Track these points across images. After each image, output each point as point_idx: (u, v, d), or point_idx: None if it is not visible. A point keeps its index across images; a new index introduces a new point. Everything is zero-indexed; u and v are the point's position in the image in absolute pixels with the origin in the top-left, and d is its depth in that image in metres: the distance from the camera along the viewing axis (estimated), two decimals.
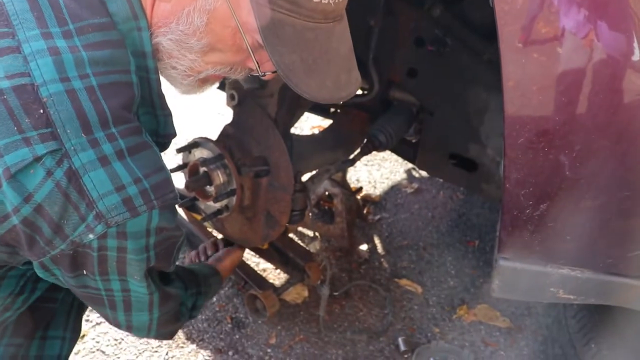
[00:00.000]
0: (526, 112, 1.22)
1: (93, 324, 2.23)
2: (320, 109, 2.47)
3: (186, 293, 1.45)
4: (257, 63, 1.09)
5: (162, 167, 1.03)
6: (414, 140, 2.31)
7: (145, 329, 1.30)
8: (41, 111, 0.90)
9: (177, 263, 1.46)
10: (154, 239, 1.05)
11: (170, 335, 1.46)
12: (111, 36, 0.99)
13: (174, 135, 1.19)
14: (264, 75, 1.14)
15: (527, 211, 1.28)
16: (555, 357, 1.94)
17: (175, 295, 1.33)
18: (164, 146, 1.18)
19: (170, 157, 3.10)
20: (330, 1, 1.01)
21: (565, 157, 1.23)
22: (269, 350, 2.19)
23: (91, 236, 0.96)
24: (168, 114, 1.15)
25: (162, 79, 1.13)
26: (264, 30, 0.99)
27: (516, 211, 1.29)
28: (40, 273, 1.09)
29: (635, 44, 1.10)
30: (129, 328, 1.28)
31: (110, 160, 0.94)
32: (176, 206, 1.09)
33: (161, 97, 1.12)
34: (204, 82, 1.17)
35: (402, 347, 2.20)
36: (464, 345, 2.26)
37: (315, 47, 1.06)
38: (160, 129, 1.14)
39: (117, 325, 1.27)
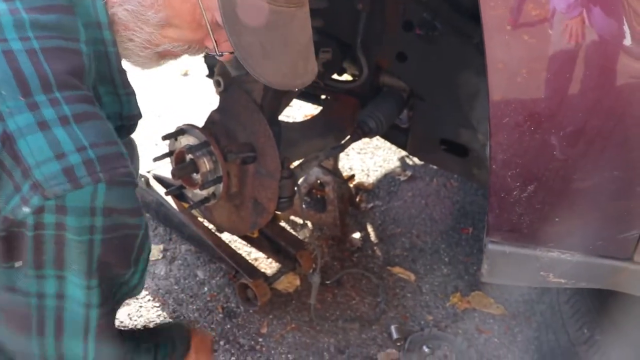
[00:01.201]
0: (514, 94, 1.20)
1: None
2: (310, 96, 2.45)
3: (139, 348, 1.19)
4: (215, 42, 1.06)
5: (115, 141, 0.93)
6: (404, 126, 2.29)
7: None
8: None
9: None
10: (101, 220, 0.92)
11: None
12: (58, 1, 0.92)
13: (139, 116, 1.12)
14: (221, 55, 1.10)
15: (515, 193, 1.26)
16: (548, 343, 1.93)
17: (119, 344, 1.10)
18: (129, 129, 1.12)
19: (161, 146, 3.08)
20: None
21: (555, 139, 1.22)
22: (260, 339, 2.17)
23: (26, 209, 0.86)
24: (131, 92, 1.08)
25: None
26: (225, 9, 0.97)
27: (503, 193, 1.27)
28: None
29: (626, 27, 1.09)
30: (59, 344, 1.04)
31: (51, 125, 0.85)
32: (134, 189, 0.98)
33: (122, 73, 1.05)
34: (162, 57, 1.12)
35: (395, 335, 2.18)
36: (458, 332, 2.24)
37: (276, 31, 1.04)
38: (124, 110, 1.08)
39: (44, 348, 1.02)
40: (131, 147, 1.22)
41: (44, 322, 0.99)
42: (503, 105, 1.19)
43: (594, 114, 1.19)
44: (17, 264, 0.93)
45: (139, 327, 1.26)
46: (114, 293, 1.07)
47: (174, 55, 1.13)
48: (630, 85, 1.15)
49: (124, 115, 1.08)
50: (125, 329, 1.24)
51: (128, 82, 1.07)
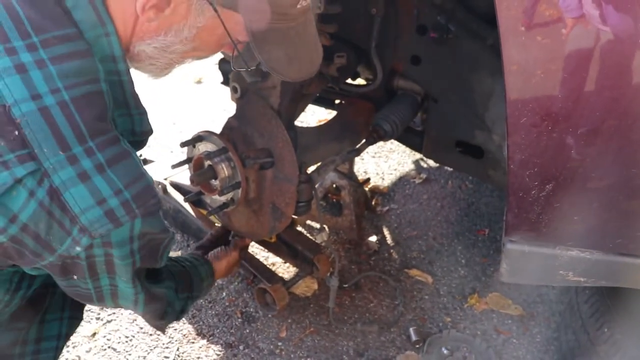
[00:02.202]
0: (530, 94, 1.21)
1: (104, 321, 2.23)
2: (324, 101, 2.46)
3: (176, 295, 1.47)
4: (238, 49, 1.15)
5: (142, 173, 1.05)
6: (419, 129, 2.30)
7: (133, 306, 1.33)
8: (16, 132, 0.91)
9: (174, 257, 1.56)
10: (138, 243, 1.09)
11: (156, 327, 1.52)
12: (78, 46, 0.99)
13: (150, 132, 1.21)
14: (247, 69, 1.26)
15: (533, 192, 1.27)
16: (568, 343, 1.92)
17: (162, 296, 1.35)
18: (141, 144, 1.21)
19: (177, 153, 3.11)
20: (307, 1, 1.12)
21: (571, 138, 1.22)
22: (279, 343, 2.18)
23: (78, 249, 1.00)
24: (143, 112, 1.17)
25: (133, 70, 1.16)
26: (254, 38, 1.09)
27: (522, 192, 1.28)
28: (31, 272, 1.14)
29: None
30: (119, 306, 1.32)
31: (90, 174, 0.96)
32: (160, 213, 1.13)
33: (135, 97, 1.14)
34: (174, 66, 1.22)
35: (414, 337, 2.19)
36: (476, 334, 2.24)
37: (295, 40, 1.17)
38: (137, 127, 1.16)
39: (105, 306, 1.33)
40: None
41: (102, 296, 1.21)
42: (520, 106, 1.20)
43: (611, 112, 1.19)
44: (75, 277, 1.11)
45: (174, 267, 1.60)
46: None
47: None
48: None
49: (137, 132, 1.17)
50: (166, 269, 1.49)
51: (140, 103, 1.16)
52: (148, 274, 1.30)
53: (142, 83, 1.27)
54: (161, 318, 1.42)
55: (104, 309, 2.27)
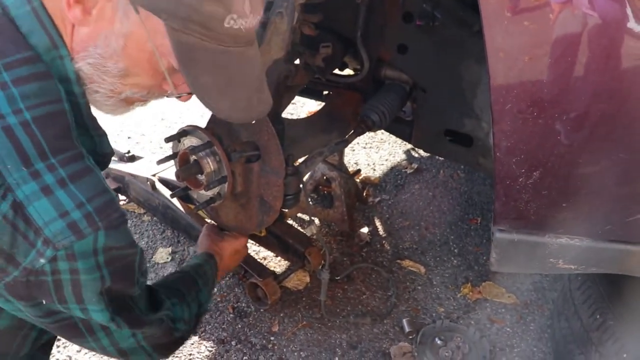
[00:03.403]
0: (516, 80, 1.20)
1: None
2: (312, 92, 2.44)
3: (182, 307, 1.44)
4: (174, 85, 1.14)
5: (105, 189, 1.07)
6: (409, 119, 2.28)
7: (141, 352, 1.29)
8: None
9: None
10: (103, 257, 1.07)
11: (174, 348, 1.44)
12: (38, 68, 1.01)
13: (111, 154, 1.25)
14: (180, 97, 1.21)
15: (520, 180, 1.25)
16: (561, 331, 1.91)
17: (153, 320, 1.29)
18: (104, 165, 1.23)
19: (166, 149, 3.08)
20: (241, 27, 1.06)
21: (559, 124, 1.21)
22: (272, 338, 2.17)
23: (42, 261, 1.01)
24: (102, 134, 1.20)
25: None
26: (179, 54, 1.04)
27: (509, 180, 1.26)
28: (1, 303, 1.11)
29: (629, 10, 1.08)
30: (123, 354, 1.27)
31: (53, 189, 0.99)
32: (126, 226, 1.12)
33: (92, 119, 1.16)
34: (129, 103, 1.20)
35: (407, 328, 2.18)
36: (470, 323, 2.23)
37: (228, 70, 1.11)
38: (98, 149, 1.19)
39: (109, 354, 1.26)
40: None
41: (90, 327, 1.17)
42: (505, 93, 1.18)
43: (598, 97, 1.18)
44: (43, 302, 1.08)
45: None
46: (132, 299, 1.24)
47: (139, 100, 1.20)
48: (634, 67, 1.14)
49: (98, 153, 1.19)
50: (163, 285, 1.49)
51: (99, 126, 1.19)
52: (149, 303, 1.29)
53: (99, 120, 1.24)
54: (170, 334, 1.36)
55: None
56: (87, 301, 1.11)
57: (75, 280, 1.06)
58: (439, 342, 2.09)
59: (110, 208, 1.06)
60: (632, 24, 1.08)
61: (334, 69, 2.18)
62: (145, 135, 3.40)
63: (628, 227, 1.30)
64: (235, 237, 1.88)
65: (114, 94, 1.14)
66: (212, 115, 1.80)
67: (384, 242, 2.64)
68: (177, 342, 1.43)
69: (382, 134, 3.36)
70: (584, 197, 1.28)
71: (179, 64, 1.05)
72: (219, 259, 1.76)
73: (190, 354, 2.10)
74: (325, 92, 2.41)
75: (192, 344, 2.14)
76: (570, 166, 1.23)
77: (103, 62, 1.08)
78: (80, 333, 1.18)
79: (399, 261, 2.52)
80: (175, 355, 2.09)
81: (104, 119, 1.21)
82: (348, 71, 2.40)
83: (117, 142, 3.31)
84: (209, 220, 2.33)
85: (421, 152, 3.17)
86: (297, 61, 1.85)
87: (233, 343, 2.15)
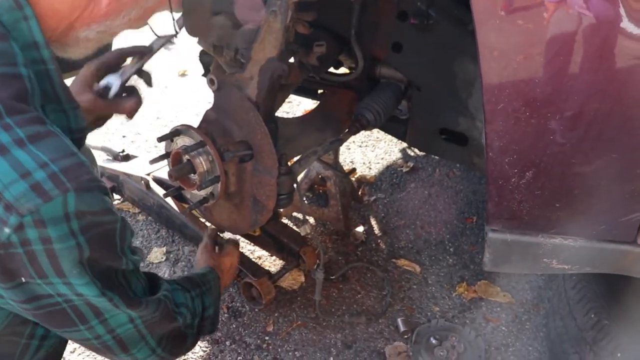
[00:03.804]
0: (509, 80, 1.19)
1: None
2: (307, 91, 2.43)
3: (184, 294, 1.38)
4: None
5: (74, 152, 0.98)
6: (404, 117, 2.27)
7: (142, 343, 1.20)
8: None
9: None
10: (77, 223, 0.96)
11: (181, 346, 1.35)
12: None
13: (85, 129, 1.17)
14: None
15: (513, 180, 1.25)
16: (556, 330, 1.91)
17: (150, 300, 1.20)
18: (79, 142, 1.14)
19: (161, 148, 3.07)
20: None
21: (552, 123, 1.20)
22: (266, 338, 2.16)
23: (7, 230, 0.90)
24: (76, 107, 1.12)
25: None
26: None
27: (501, 180, 1.26)
28: None
29: (622, 9, 1.07)
30: (123, 346, 1.17)
31: (9, 147, 0.90)
32: (105, 191, 1.03)
33: (65, 89, 1.09)
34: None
35: (402, 328, 2.17)
36: (465, 322, 2.23)
37: None
38: (72, 124, 1.11)
39: (108, 348, 1.15)
40: (88, 156, 1.27)
41: (80, 313, 1.06)
42: (497, 92, 1.17)
43: (592, 96, 1.17)
44: (22, 280, 0.98)
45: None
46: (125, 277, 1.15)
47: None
48: (628, 66, 1.14)
49: (73, 129, 1.11)
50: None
51: (72, 97, 1.11)
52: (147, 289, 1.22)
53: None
54: (172, 320, 1.27)
55: None
56: (68, 273, 0.99)
57: (49, 250, 0.95)
58: (434, 341, 2.09)
59: (81, 170, 0.96)
60: (625, 23, 1.08)
61: (328, 68, 2.17)
62: (140, 134, 3.38)
63: (621, 227, 1.30)
64: (230, 254, 1.86)
65: (102, 42, 1.11)
66: (205, 115, 1.80)
67: (379, 241, 2.63)
68: (182, 337, 1.33)
69: (377, 133, 3.35)
70: (578, 197, 1.27)
71: None
72: (220, 274, 1.72)
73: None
74: (320, 91, 2.40)
75: None
76: (563, 166, 1.22)
77: (115, 28, 1.08)
78: (70, 321, 1.07)
79: (394, 260, 2.52)
80: None
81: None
82: (343, 70, 2.39)
83: (112, 140, 3.29)
84: (203, 220, 2.33)
85: (417, 151, 3.16)
86: (291, 60, 1.84)
87: (227, 343, 2.14)
